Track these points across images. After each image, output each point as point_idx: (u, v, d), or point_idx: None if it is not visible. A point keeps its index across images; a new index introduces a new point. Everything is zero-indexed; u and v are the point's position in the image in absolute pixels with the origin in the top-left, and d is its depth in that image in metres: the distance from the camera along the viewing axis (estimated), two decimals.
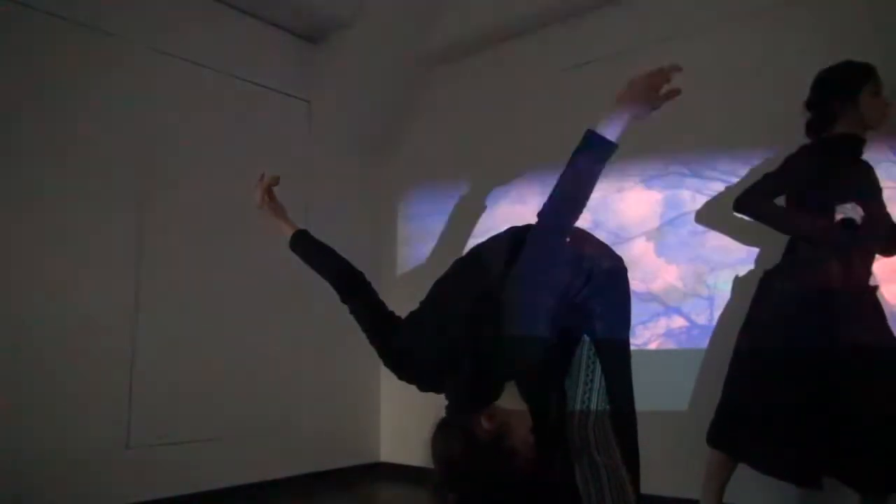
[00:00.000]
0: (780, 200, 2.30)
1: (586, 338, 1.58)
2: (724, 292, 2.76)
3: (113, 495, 2.81)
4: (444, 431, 1.41)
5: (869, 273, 2.18)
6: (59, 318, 2.73)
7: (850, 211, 2.07)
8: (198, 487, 3.08)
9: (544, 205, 1.45)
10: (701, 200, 2.88)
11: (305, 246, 2.03)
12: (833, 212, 2.09)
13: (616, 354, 1.61)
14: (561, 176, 1.46)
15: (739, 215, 2.33)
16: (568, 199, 1.44)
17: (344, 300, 1.90)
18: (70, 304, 2.77)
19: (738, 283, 2.72)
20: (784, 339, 2.13)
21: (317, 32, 3.83)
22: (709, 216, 2.86)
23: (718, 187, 2.83)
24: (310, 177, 3.78)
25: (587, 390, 1.54)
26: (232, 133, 3.46)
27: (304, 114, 3.86)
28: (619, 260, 1.75)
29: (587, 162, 1.44)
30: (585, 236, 1.77)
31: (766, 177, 2.28)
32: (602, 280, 1.64)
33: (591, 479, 1.51)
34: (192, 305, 3.19)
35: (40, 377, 2.65)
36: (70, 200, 2.82)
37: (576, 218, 1.45)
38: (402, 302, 4.36)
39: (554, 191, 1.45)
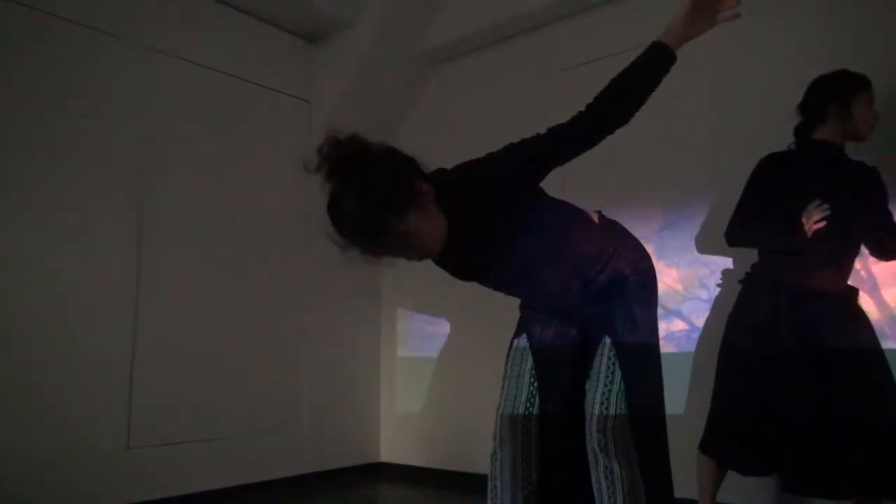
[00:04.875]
0: None
1: (606, 340, 1.55)
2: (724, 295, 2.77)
3: (113, 495, 2.81)
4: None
5: (841, 276, 2.20)
6: (59, 317, 2.74)
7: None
8: (198, 487, 3.08)
9: (597, 96, 1.47)
10: (700, 201, 2.87)
11: None
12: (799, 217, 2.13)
13: (639, 358, 1.57)
14: (617, 76, 1.47)
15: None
16: (623, 93, 1.47)
17: None
18: (70, 303, 2.78)
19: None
20: (757, 345, 2.17)
21: (317, 32, 3.83)
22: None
23: (719, 190, 2.82)
24: (310, 177, 3.78)
25: (606, 392, 1.51)
26: (232, 133, 3.46)
27: (304, 114, 3.85)
28: (647, 258, 1.69)
29: (650, 67, 1.47)
30: (615, 225, 1.73)
31: (742, 203, 2.32)
32: (624, 276, 1.61)
33: (605, 481, 1.49)
34: (192, 305, 3.19)
35: (40, 377, 2.65)
36: (70, 200, 2.82)
37: (626, 115, 1.46)
38: (402, 299, 4.34)
39: (609, 85, 1.47)
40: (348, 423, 3.84)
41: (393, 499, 3.57)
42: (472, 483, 3.45)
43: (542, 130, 1.49)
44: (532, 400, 1.66)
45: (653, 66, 1.49)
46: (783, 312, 2.15)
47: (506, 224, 1.46)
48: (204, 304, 3.24)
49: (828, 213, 2.07)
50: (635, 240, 1.72)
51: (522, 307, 1.81)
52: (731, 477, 2.31)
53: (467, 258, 1.55)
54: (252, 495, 3.27)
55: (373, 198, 1.37)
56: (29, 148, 2.72)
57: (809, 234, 2.09)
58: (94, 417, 2.79)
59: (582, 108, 1.49)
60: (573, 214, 1.64)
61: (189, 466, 3.08)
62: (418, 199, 1.40)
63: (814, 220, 2.09)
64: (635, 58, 1.50)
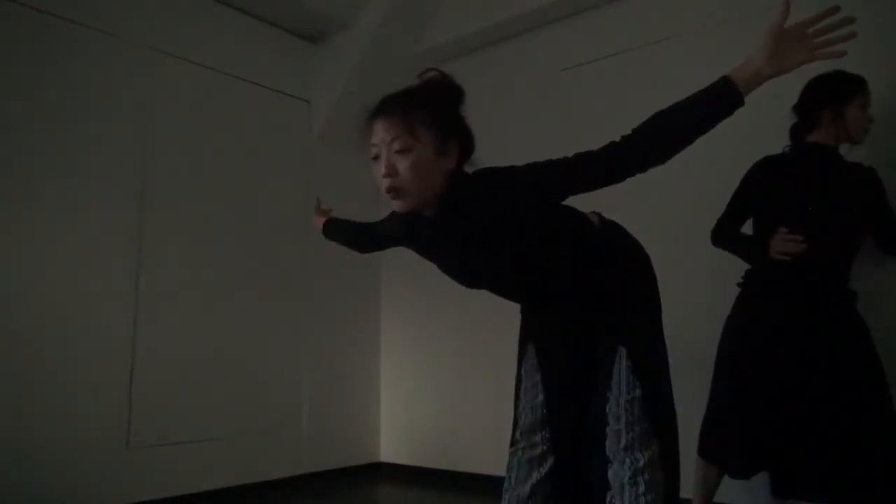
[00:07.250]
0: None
1: (622, 350, 1.55)
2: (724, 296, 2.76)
3: (113, 495, 2.81)
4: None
5: (840, 279, 2.19)
6: (59, 317, 2.74)
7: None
8: (198, 487, 3.09)
9: (637, 127, 1.27)
10: (701, 201, 2.87)
11: (332, 232, 2.24)
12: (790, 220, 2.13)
13: (652, 362, 1.58)
14: (666, 109, 1.26)
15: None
16: (669, 131, 1.26)
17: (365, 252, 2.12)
18: (70, 303, 2.78)
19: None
20: (755, 348, 2.17)
21: (317, 32, 3.83)
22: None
23: (719, 189, 2.82)
24: (310, 176, 3.79)
25: (630, 398, 1.52)
26: (232, 133, 3.46)
27: (304, 114, 3.86)
28: (647, 260, 1.70)
29: (708, 107, 1.24)
30: (615, 227, 1.73)
31: (730, 205, 2.34)
32: (626, 281, 1.62)
33: (628, 483, 1.49)
34: (192, 305, 3.19)
35: (40, 376, 2.66)
36: (70, 200, 2.82)
37: (666, 156, 1.28)
38: (402, 298, 4.34)
39: (654, 118, 1.26)
40: (348, 423, 3.84)
41: (393, 499, 3.57)
42: (472, 483, 3.45)
43: (570, 154, 1.36)
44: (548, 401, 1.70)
45: (712, 106, 1.25)
46: (781, 316, 2.15)
47: (506, 229, 1.45)
48: (204, 303, 3.24)
49: (795, 250, 2.07)
50: (635, 241, 1.73)
51: (524, 309, 1.81)
52: (730, 478, 2.31)
53: (461, 256, 1.55)
54: (252, 495, 3.27)
55: (433, 94, 1.48)
56: (29, 148, 2.72)
57: (775, 257, 2.11)
58: (94, 417, 2.80)
59: (616, 139, 1.30)
60: (573, 218, 1.64)
61: (189, 466, 3.08)
62: (447, 145, 1.42)
63: (777, 250, 2.10)
64: (694, 92, 1.25)
